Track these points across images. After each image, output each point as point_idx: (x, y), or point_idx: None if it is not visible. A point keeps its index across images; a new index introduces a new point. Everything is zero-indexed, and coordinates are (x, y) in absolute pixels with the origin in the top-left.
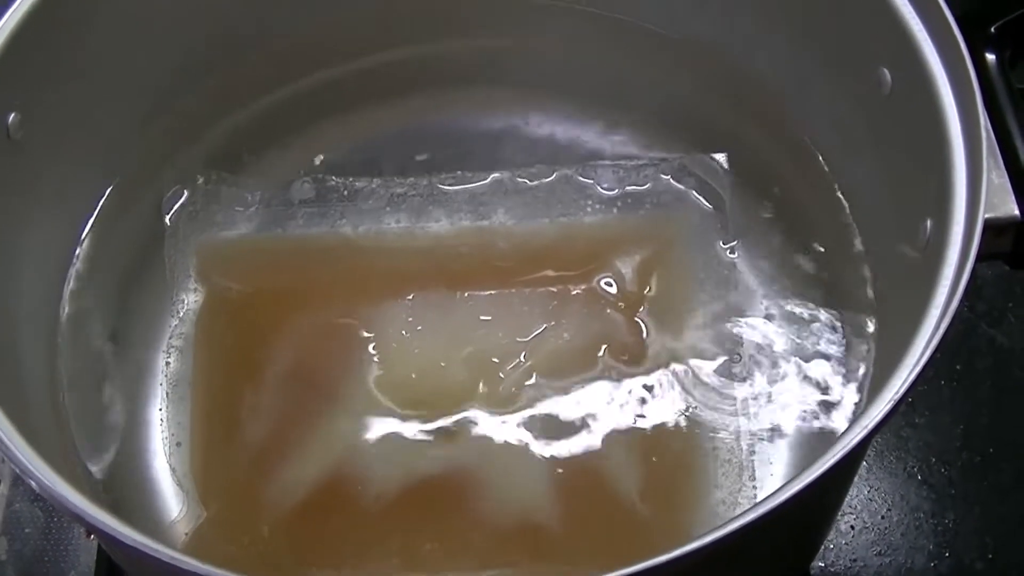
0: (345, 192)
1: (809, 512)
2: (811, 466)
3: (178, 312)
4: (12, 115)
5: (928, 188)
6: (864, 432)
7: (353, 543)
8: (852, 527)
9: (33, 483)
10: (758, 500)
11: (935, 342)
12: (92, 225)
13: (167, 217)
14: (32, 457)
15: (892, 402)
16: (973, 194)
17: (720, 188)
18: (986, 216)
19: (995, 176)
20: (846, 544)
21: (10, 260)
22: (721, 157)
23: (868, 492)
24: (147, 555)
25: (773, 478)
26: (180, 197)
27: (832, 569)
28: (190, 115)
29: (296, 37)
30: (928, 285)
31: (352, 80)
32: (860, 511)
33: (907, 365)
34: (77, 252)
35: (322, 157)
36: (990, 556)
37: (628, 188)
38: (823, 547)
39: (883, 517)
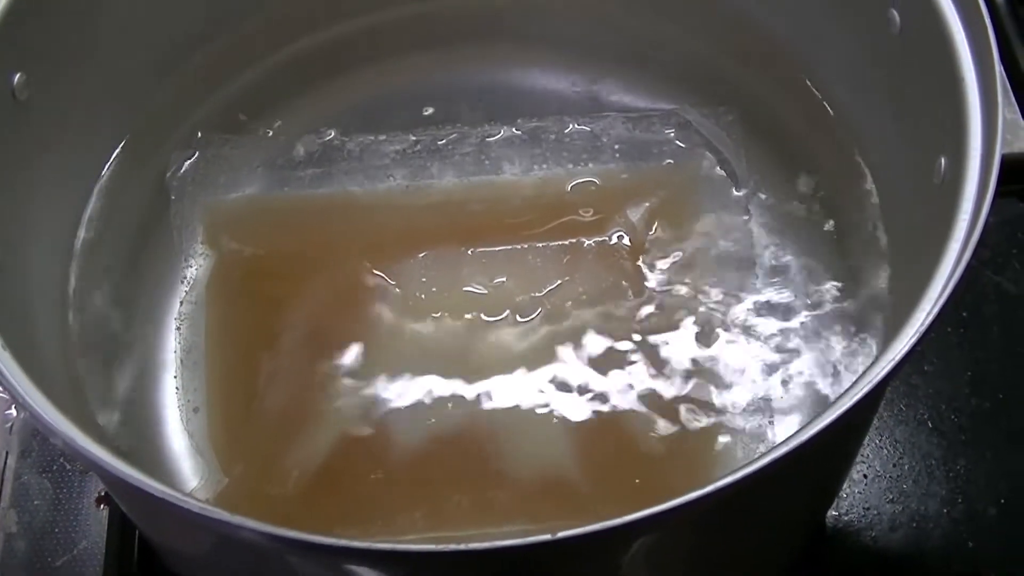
0: (350, 150)
1: (828, 458)
2: (837, 401)
3: (188, 277)
4: (17, 75)
5: (942, 126)
6: (889, 367)
7: (378, 501)
8: (864, 476)
9: (58, 440)
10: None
11: (958, 273)
12: (99, 189)
13: (172, 180)
14: (53, 413)
15: (917, 335)
16: (988, 129)
17: (728, 138)
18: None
19: (1007, 112)
20: (859, 492)
21: (18, 225)
22: (728, 106)
23: (879, 441)
24: (175, 507)
25: (788, 428)
26: (185, 160)
27: (846, 518)
28: (197, 76)
29: None
30: (946, 223)
31: (355, 38)
32: (872, 459)
33: (930, 298)
34: (85, 217)
35: (328, 117)
36: (1002, 501)
37: (637, 139)
38: (836, 496)
39: (895, 465)
